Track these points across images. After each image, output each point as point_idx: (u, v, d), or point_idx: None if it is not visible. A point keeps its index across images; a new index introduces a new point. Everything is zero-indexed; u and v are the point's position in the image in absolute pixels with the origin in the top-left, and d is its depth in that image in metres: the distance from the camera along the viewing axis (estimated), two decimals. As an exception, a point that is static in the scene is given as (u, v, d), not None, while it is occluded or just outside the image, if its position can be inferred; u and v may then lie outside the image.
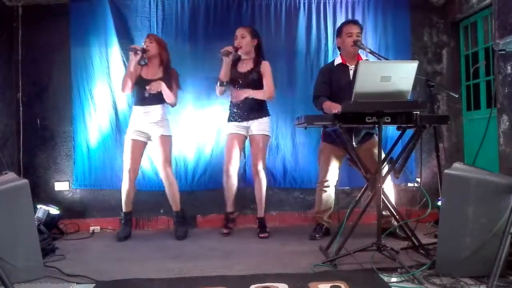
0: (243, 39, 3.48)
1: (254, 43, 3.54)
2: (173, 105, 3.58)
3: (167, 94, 3.44)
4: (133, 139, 3.48)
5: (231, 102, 3.60)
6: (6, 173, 2.45)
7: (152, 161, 3.78)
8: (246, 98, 3.47)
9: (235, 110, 3.53)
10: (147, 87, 3.39)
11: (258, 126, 3.51)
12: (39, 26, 3.88)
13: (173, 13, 3.92)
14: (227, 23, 3.89)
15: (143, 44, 3.50)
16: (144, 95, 3.43)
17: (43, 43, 3.89)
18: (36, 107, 3.91)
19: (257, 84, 3.50)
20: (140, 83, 3.47)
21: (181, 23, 3.92)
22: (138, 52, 3.41)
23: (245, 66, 3.55)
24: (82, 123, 3.87)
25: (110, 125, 3.87)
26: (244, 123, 3.52)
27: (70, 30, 3.86)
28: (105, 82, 3.88)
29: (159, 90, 3.40)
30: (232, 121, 3.56)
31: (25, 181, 2.41)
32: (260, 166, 3.50)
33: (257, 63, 3.54)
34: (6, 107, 3.76)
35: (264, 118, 3.54)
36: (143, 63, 3.56)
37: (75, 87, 3.87)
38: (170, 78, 3.53)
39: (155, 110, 3.47)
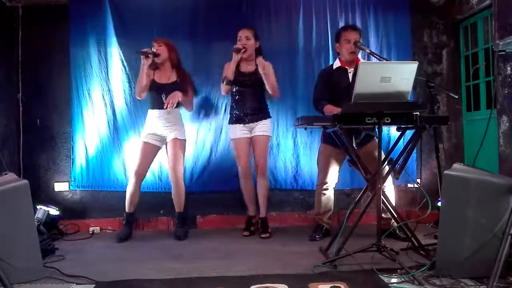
0: (248, 41, 3.47)
1: (257, 46, 3.55)
2: (189, 111, 3.64)
3: (186, 103, 3.52)
4: (146, 142, 3.47)
5: (233, 103, 3.60)
6: (6, 174, 2.45)
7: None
8: (251, 100, 3.49)
9: (237, 113, 3.53)
10: (165, 105, 3.36)
11: (262, 127, 3.51)
12: (39, 26, 3.88)
13: (173, 13, 3.91)
14: (227, 23, 3.87)
15: (152, 48, 3.45)
16: (160, 100, 3.42)
17: (43, 44, 3.89)
18: (36, 107, 3.91)
19: (261, 84, 3.51)
20: (154, 88, 3.46)
21: (181, 23, 3.91)
22: (149, 55, 3.38)
23: (248, 67, 3.55)
24: (80, 123, 3.87)
25: (108, 126, 3.86)
26: (249, 125, 3.52)
27: (69, 30, 3.85)
28: (104, 82, 3.88)
29: (176, 103, 3.40)
30: (236, 123, 3.54)
31: (25, 181, 2.40)
32: (265, 168, 3.55)
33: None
34: (6, 108, 3.75)
35: (267, 119, 3.55)
36: (154, 66, 3.51)
37: (74, 88, 3.86)
38: (186, 82, 3.53)
39: (170, 114, 3.46)
